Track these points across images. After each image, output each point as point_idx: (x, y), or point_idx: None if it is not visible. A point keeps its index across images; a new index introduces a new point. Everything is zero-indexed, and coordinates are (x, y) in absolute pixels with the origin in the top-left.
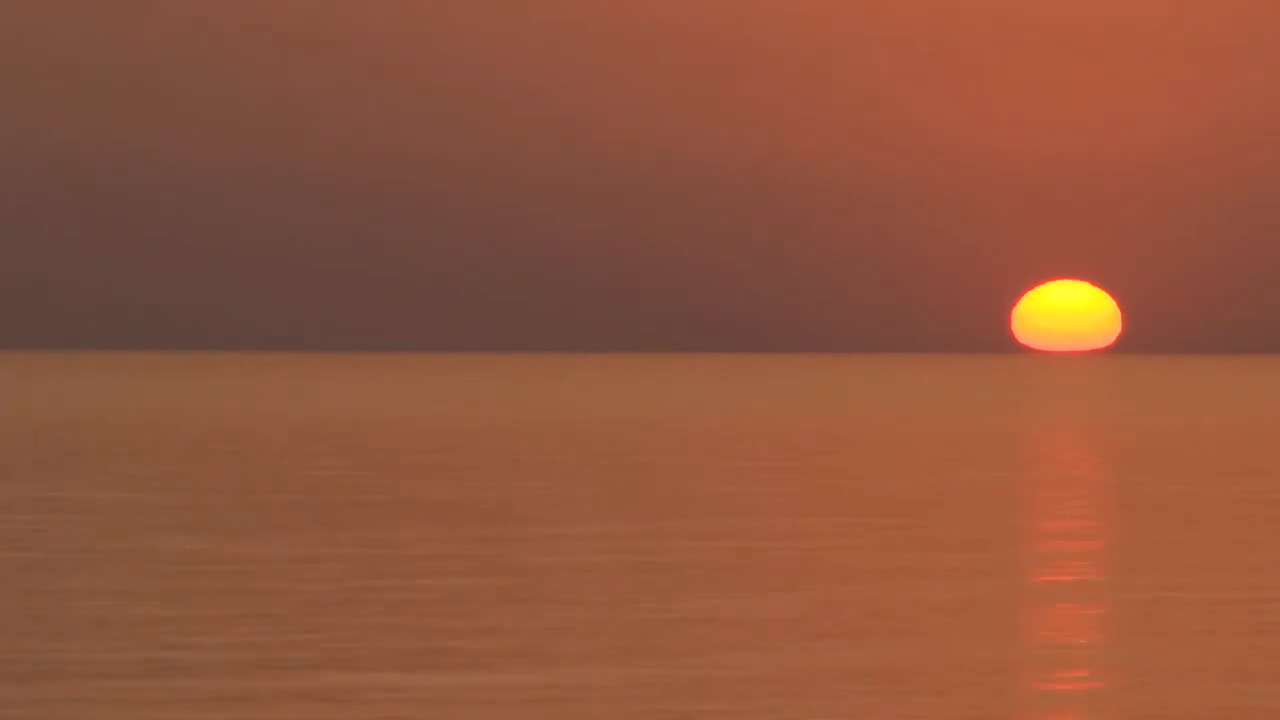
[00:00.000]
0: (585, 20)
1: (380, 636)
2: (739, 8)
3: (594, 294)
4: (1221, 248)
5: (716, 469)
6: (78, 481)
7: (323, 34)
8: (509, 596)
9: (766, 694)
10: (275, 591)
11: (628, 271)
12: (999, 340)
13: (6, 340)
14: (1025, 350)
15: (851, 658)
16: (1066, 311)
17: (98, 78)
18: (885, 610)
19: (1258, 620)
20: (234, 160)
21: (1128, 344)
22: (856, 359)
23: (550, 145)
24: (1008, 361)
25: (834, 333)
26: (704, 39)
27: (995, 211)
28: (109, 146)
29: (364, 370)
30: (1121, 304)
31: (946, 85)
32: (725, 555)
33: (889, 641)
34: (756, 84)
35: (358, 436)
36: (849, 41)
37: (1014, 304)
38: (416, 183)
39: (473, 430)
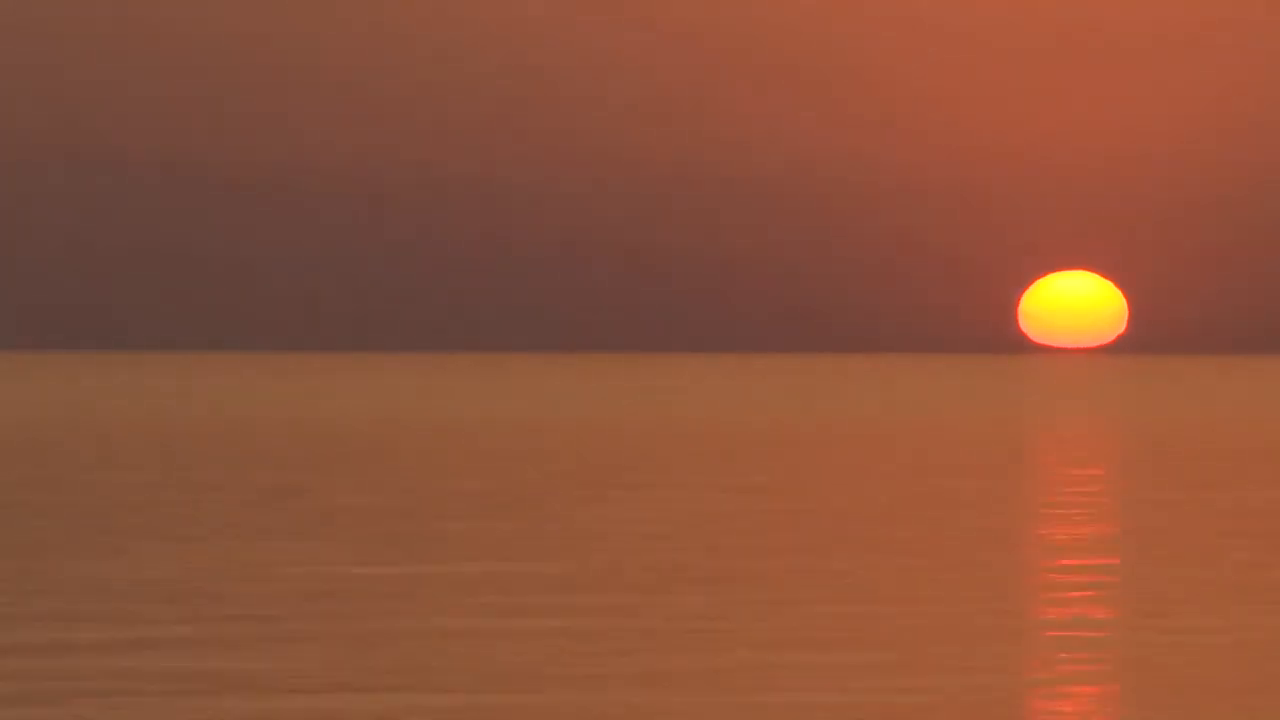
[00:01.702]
0: (578, 21)
1: None
2: (733, 2)
3: (597, 293)
4: (1232, 240)
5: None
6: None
7: (326, 33)
8: None
9: None
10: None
11: (627, 271)
12: (1007, 336)
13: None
14: (1034, 348)
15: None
16: (1073, 304)
17: (98, 76)
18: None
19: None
20: (236, 159)
21: (1135, 336)
22: (862, 360)
23: (553, 144)
24: (1034, 362)
25: (835, 332)
26: (705, 34)
27: (998, 202)
28: (108, 144)
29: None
30: (1128, 295)
31: (946, 81)
32: None
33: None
34: (754, 80)
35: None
36: (848, 37)
37: (1019, 297)
38: (425, 180)
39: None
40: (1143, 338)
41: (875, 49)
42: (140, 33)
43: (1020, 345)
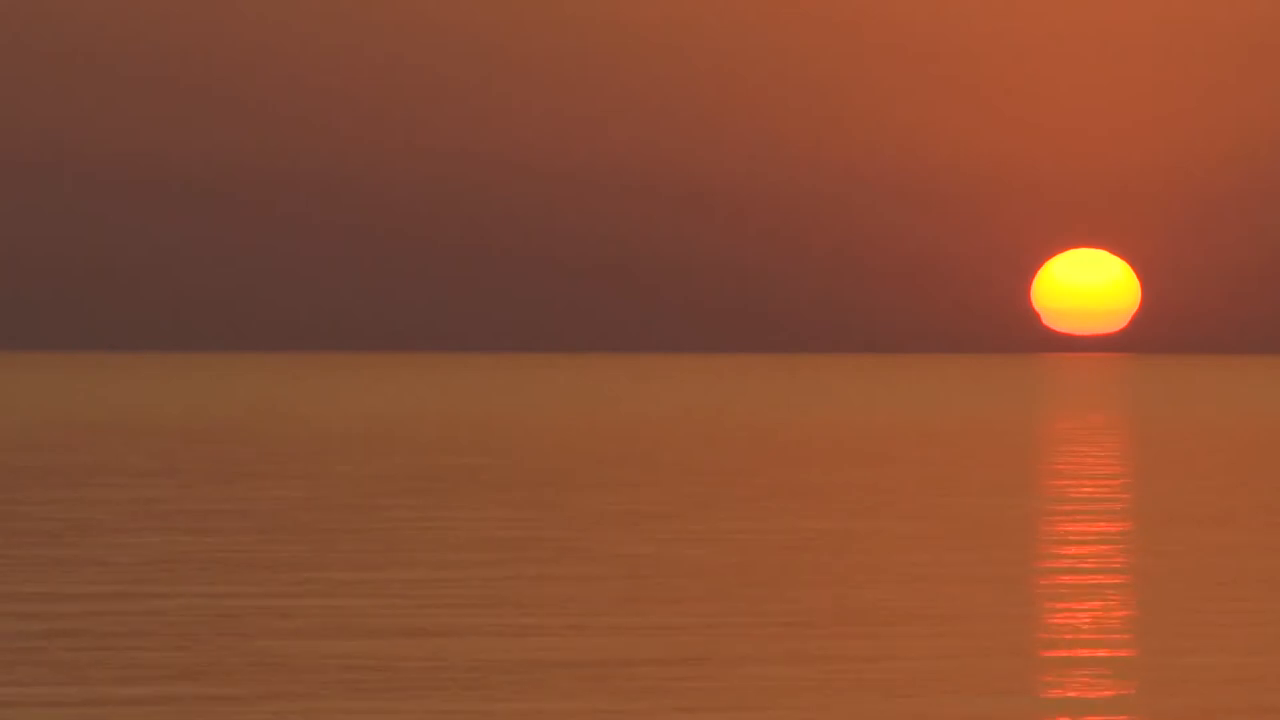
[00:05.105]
0: (569, 23)
1: None
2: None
3: (607, 294)
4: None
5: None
6: None
7: (331, 30)
8: None
9: None
10: None
11: (639, 272)
12: (1022, 321)
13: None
14: (1049, 334)
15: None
16: (1087, 287)
17: (98, 76)
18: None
19: None
20: (236, 157)
21: (1149, 317)
22: (873, 360)
23: (556, 145)
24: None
25: (839, 331)
26: (703, 37)
27: (1001, 189)
28: (108, 144)
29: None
30: (1140, 273)
31: (946, 82)
32: None
33: None
34: (753, 78)
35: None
36: (847, 35)
37: (1032, 279)
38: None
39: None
40: (1157, 320)
41: (875, 47)
42: (139, 30)
43: (1035, 331)
